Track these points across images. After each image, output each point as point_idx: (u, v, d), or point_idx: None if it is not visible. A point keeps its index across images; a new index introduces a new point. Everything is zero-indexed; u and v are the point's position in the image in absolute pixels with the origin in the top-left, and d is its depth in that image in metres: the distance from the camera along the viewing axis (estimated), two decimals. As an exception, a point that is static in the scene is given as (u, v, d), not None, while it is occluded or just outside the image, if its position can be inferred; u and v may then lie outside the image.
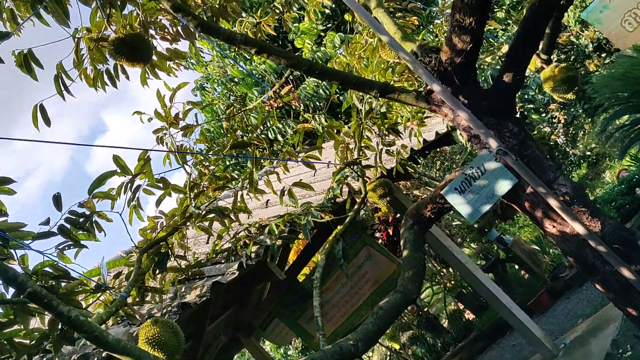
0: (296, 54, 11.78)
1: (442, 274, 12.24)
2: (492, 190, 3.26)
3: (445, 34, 3.76)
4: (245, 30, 5.45)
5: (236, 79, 11.40)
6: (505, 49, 6.09)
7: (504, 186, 3.25)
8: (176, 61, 4.52)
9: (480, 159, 3.28)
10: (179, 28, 4.39)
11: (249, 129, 4.22)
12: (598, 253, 3.17)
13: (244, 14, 10.56)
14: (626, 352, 5.72)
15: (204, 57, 11.86)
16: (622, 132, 10.34)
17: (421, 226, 3.55)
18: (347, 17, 6.22)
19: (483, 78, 8.06)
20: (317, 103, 9.23)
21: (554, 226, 3.32)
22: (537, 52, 3.69)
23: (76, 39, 3.64)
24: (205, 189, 4.11)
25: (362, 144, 4.55)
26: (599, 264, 3.22)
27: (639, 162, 11.16)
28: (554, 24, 3.65)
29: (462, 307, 12.22)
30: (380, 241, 9.47)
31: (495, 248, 11.86)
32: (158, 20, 4.31)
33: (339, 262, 3.78)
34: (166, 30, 4.39)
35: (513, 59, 3.22)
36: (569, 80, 3.52)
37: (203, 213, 3.78)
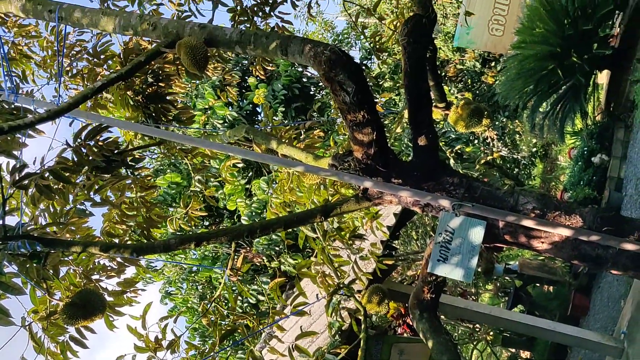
0: (234, 216, 11.92)
1: (476, 330, 11.92)
2: (470, 243, 3.24)
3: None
4: (178, 224, 5.47)
5: (194, 268, 11.36)
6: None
7: (478, 234, 3.24)
8: (131, 289, 4.46)
9: (443, 222, 3.28)
10: (118, 259, 4.36)
11: (227, 312, 4.13)
12: (595, 243, 3.15)
13: (170, 209, 10.65)
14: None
15: (156, 266, 11.81)
16: (550, 119, 10.72)
17: (429, 311, 3.47)
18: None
19: (405, 146, 8.29)
20: (277, 248, 9.23)
21: (542, 242, 3.30)
22: (434, 104, 3.83)
23: (27, 327, 3.54)
24: (218, 392, 3.93)
25: (336, 265, 4.50)
26: (602, 253, 3.20)
27: (579, 134, 11.50)
28: (433, 75, 3.81)
29: (513, 350, 11.84)
30: (404, 334, 9.21)
31: (508, 279, 11.70)
32: (96, 264, 4.28)
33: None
34: (108, 267, 4.36)
35: (416, 123, 3.31)
36: (474, 112, 3.63)
37: (228, 417, 3.58)
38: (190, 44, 3.17)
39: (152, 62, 4.78)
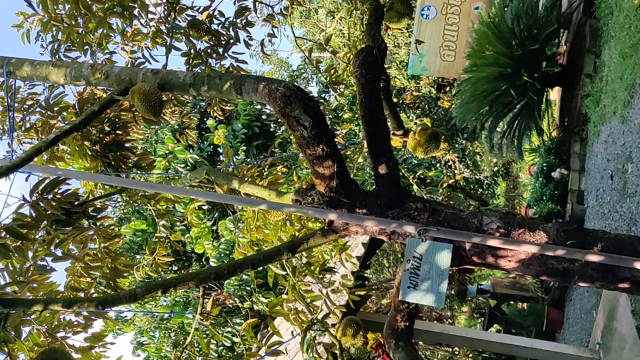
0: (203, 259, 11.78)
1: (455, 353, 11.91)
2: (438, 267, 3.24)
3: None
4: (145, 272, 5.37)
5: (166, 315, 11.15)
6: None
7: (445, 257, 3.25)
8: (100, 344, 4.34)
9: (410, 249, 3.28)
10: (85, 314, 4.25)
11: (201, 358, 4.04)
12: (561, 258, 3.19)
13: (138, 257, 10.47)
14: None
15: (126, 317, 11.55)
16: (507, 138, 10.95)
17: (404, 340, 3.44)
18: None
19: (368, 175, 8.34)
20: (248, 287, 9.13)
21: (509, 260, 3.32)
22: (392, 132, 3.86)
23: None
24: None
25: (308, 300, 4.46)
26: (568, 266, 3.23)
27: (537, 151, 11.75)
28: (388, 104, 3.86)
29: (493, 370, 11.83)
30: (385, 365, 9.14)
31: (482, 300, 11.77)
32: (61, 320, 4.16)
33: None
34: (74, 323, 4.23)
35: (375, 152, 3.34)
36: (431, 137, 3.68)
37: None
38: (144, 90, 3.16)
39: (108, 111, 4.74)
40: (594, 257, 3.06)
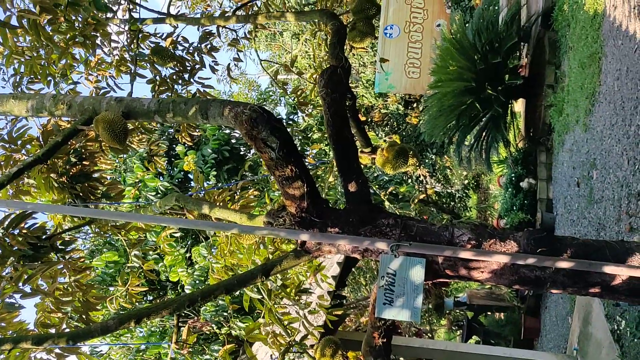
0: (178, 287, 11.64)
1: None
2: (412, 282, 3.25)
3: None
4: (119, 303, 5.28)
5: (142, 346, 10.97)
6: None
7: (419, 272, 3.25)
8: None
9: (384, 265, 3.29)
10: (57, 351, 4.15)
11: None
12: (532, 266, 3.22)
13: (111, 288, 10.29)
14: (623, 320, 5.75)
15: (101, 351, 11.33)
16: (475, 150, 11.10)
17: (382, 357, 3.43)
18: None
19: (340, 194, 8.36)
20: (225, 313, 9.04)
21: (482, 272, 3.34)
22: (360, 150, 3.88)
23: None
24: None
25: (285, 323, 4.42)
26: (540, 274, 3.26)
27: (505, 162, 11.91)
28: (355, 122, 3.88)
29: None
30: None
31: (460, 312, 11.81)
32: (31, 358, 4.06)
33: None
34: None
35: (344, 170, 3.35)
36: (399, 154, 3.70)
37: None
38: (108, 118, 3.13)
39: (73, 142, 4.69)
40: (564, 264, 3.10)
